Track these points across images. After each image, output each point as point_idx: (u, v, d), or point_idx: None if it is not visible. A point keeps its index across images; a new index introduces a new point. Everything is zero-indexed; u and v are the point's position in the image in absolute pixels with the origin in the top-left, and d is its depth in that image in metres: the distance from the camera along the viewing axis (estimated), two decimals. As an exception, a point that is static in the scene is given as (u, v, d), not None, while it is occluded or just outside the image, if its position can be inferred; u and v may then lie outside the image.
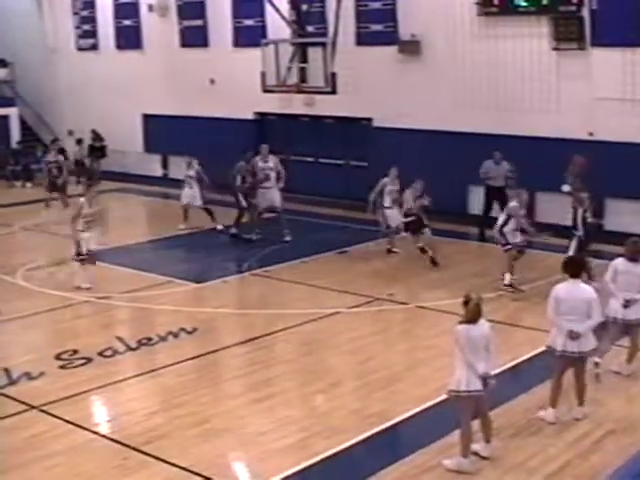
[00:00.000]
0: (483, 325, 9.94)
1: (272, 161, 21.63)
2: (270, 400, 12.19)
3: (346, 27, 24.66)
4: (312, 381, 12.95)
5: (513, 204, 17.28)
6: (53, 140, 29.94)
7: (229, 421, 11.56)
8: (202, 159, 29.41)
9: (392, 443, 11.28)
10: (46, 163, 26.27)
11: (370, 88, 24.95)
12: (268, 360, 13.85)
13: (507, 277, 17.03)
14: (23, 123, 34.48)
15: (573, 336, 10.87)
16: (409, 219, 18.97)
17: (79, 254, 17.65)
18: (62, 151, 28.54)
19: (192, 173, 23.09)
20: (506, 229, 17.10)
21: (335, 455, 10.48)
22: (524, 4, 21.73)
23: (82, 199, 18.15)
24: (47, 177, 25.99)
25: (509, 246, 17.07)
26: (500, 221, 17.27)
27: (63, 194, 25.54)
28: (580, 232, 16.72)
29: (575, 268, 11.26)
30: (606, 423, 11.11)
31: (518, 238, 17.25)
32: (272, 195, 21.57)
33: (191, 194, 22.99)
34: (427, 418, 11.48)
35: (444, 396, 10.58)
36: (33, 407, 12.03)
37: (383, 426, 11.22)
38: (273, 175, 21.52)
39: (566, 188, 18.47)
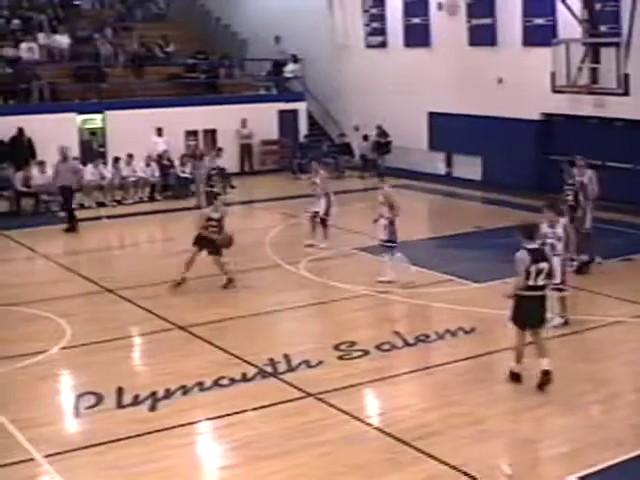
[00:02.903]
0: None
1: (587, 175, 19.11)
2: (545, 407, 11.98)
3: (641, 27, 23.82)
4: (589, 390, 12.61)
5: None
6: None
7: (502, 424, 11.47)
8: (486, 158, 29.38)
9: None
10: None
11: (665, 90, 23.98)
12: (545, 365, 13.58)
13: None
14: (310, 118, 35.50)
15: None
16: None
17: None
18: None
19: None
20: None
21: (609, 468, 10.16)
22: None
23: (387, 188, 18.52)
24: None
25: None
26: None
27: None
28: None
29: None
30: None
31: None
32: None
33: None
34: None
35: None
36: (309, 394, 12.39)
37: (664, 443, 10.81)
38: (590, 189, 19.08)
39: None
